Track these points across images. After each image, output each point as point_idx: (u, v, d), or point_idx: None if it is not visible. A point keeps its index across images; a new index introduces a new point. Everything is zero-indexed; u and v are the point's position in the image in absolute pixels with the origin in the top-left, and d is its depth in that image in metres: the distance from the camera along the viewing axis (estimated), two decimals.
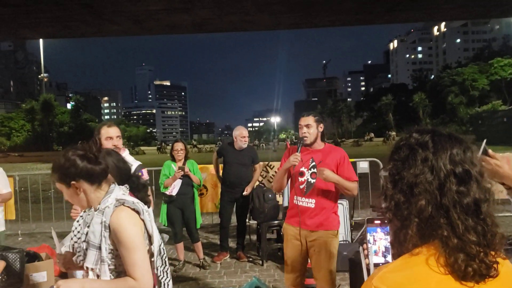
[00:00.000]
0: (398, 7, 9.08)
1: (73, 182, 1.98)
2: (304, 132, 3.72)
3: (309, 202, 3.69)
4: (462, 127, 54.82)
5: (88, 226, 2.03)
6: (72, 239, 2.21)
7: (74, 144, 2.11)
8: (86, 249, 2.01)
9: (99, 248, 1.97)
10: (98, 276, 1.98)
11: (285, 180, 3.89)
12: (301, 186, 3.74)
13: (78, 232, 2.20)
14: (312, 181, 3.68)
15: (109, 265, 1.98)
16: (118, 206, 1.98)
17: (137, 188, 2.28)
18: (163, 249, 2.25)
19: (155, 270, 2.13)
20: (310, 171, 3.70)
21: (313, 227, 3.65)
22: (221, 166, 6.56)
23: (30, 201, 8.60)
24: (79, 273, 2.22)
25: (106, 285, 1.94)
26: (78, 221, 2.27)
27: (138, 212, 2.02)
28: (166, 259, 2.29)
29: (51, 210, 8.72)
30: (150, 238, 2.08)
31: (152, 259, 2.10)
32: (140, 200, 2.12)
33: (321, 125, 3.76)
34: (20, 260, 3.95)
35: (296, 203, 3.75)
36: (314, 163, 3.70)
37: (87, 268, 2.01)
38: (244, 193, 6.17)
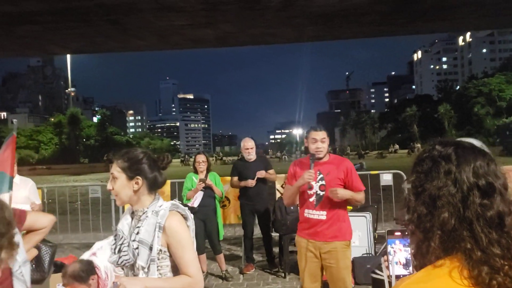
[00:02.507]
0: (421, 18, 9.01)
1: (139, 177, 2.11)
2: (320, 147, 3.75)
3: (320, 215, 3.73)
4: (489, 138, 53.70)
5: (138, 227, 2.12)
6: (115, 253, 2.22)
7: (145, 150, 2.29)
8: (137, 248, 2.09)
9: (150, 248, 2.07)
10: (147, 275, 2.09)
11: (297, 196, 3.93)
12: (311, 199, 3.78)
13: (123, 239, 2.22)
14: (321, 193, 3.72)
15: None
16: (172, 210, 2.14)
17: None
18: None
19: None
20: (318, 184, 3.75)
21: (326, 238, 3.69)
22: None
23: (58, 213, 8.76)
24: None
25: (165, 283, 2.06)
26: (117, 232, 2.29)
27: (186, 219, 2.19)
28: None
29: (78, 222, 8.86)
30: None
31: None
32: None
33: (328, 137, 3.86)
34: (50, 255, 3.98)
35: (307, 216, 3.79)
36: (321, 175, 3.75)
37: (138, 266, 2.10)
38: (258, 175, 6.07)
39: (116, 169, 2.13)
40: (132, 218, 2.19)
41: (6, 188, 3.68)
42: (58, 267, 5.10)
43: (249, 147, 6.27)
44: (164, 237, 2.07)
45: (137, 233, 2.10)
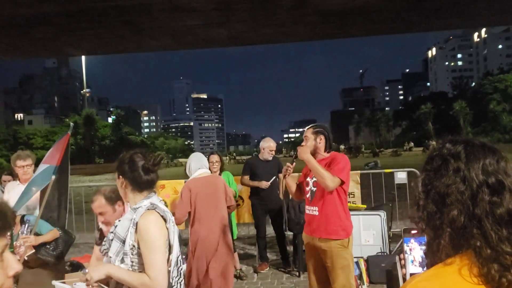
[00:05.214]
0: (435, 15, 8.91)
1: (121, 176, 2.26)
2: (302, 145, 3.87)
3: (313, 210, 3.77)
4: (505, 135, 52.96)
5: (119, 221, 2.26)
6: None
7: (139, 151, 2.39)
8: (112, 239, 2.21)
9: (123, 242, 2.15)
10: None
11: (293, 190, 4.02)
12: (307, 195, 3.88)
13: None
14: (314, 189, 3.79)
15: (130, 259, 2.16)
16: (150, 209, 2.16)
17: None
18: (181, 261, 2.36)
19: (170, 279, 2.22)
20: (312, 180, 3.81)
21: (321, 235, 3.69)
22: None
23: (74, 213, 8.86)
24: None
25: (126, 274, 2.10)
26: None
27: (165, 220, 2.18)
28: (182, 271, 2.39)
29: (93, 222, 8.95)
30: (170, 248, 2.21)
31: (169, 268, 2.21)
32: None
33: (321, 136, 3.83)
34: (66, 244, 4.07)
35: (306, 212, 3.90)
36: None
37: (110, 257, 2.22)
38: (264, 186, 6.11)
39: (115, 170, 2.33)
40: None
41: (50, 177, 3.92)
42: (75, 267, 5.18)
43: (273, 149, 6.37)
44: (136, 234, 2.13)
45: (116, 226, 2.23)
